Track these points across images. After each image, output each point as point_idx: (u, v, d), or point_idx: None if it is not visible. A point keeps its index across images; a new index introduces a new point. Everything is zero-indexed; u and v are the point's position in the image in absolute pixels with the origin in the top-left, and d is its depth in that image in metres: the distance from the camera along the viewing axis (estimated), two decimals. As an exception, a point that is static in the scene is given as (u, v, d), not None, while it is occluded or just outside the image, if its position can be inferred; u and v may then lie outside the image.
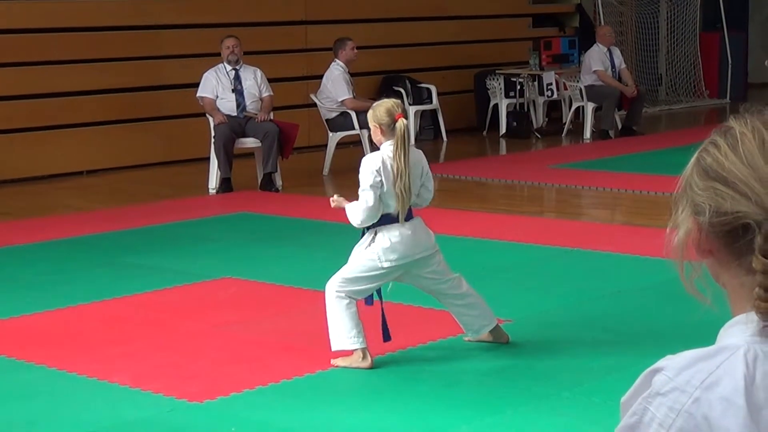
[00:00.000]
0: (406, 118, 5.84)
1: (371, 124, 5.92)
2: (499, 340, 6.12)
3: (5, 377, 5.89)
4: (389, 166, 5.71)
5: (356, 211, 5.78)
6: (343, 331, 5.71)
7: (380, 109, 5.82)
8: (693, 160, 1.67)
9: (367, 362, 5.78)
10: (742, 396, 1.51)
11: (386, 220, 5.76)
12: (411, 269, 5.88)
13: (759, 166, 1.57)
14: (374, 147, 13.19)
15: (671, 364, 1.58)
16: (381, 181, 5.70)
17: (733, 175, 1.59)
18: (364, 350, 5.74)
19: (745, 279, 1.59)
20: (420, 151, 6.19)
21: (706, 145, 1.66)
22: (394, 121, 5.72)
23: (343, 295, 5.71)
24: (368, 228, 5.81)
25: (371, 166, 5.75)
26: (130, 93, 12.69)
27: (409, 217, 5.84)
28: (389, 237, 5.71)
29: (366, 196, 5.72)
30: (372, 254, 5.73)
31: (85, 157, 12.35)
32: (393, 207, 5.74)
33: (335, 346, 5.76)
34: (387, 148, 5.78)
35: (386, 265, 5.72)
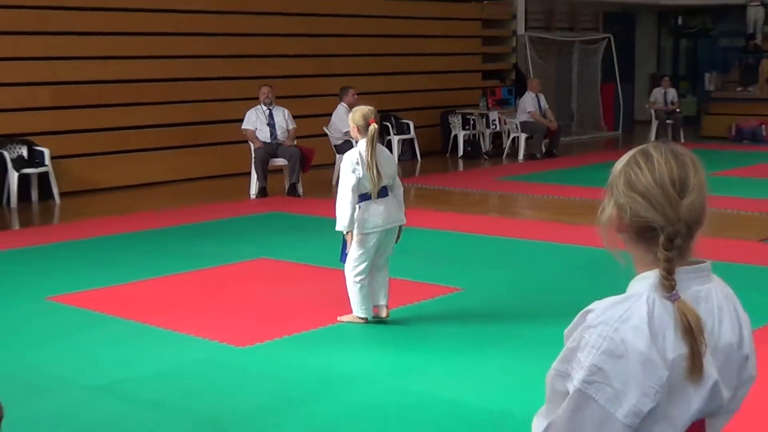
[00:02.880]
0: (378, 123, 5.66)
1: (350, 124, 5.73)
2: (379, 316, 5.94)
3: (102, 328, 5.90)
4: (364, 158, 5.56)
5: (342, 199, 5.61)
6: (357, 305, 5.76)
7: (358, 113, 5.64)
8: (620, 169, 1.76)
9: (363, 320, 5.83)
10: (646, 325, 1.64)
11: (363, 198, 5.60)
12: (387, 235, 5.76)
13: (667, 187, 1.68)
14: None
15: (598, 306, 1.69)
16: (359, 169, 5.55)
17: (648, 192, 1.69)
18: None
19: (647, 255, 1.71)
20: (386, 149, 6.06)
21: (631, 161, 1.74)
22: (368, 125, 5.57)
23: (357, 281, 5.67)
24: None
25: (351, 159, 5.59)
26: (192, 126, 12.69)
27: (384, 194, 5.68)
28: (365, 211, 5.62)
29: (348, 181, 5.57)
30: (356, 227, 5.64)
31: (157, 172, 12.36)
32: (368, 188, 5.58)
33: (354, 312, 5.81)
34: (362, 144, 5.62)
35: (365, 232, 5.63)
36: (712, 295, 1.73)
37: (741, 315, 1.78)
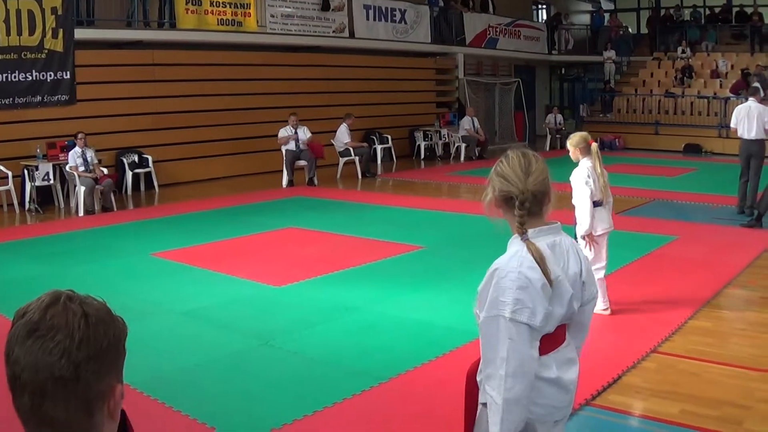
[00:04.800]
0: (596, 141, 4.56)
1: (571, 147, 4.42)
2: None
3: (186, 273, 5.81)
4: (594, 172, 4.36)
5: (583, 212, 4.30)
6: (604, 297, 4.49)
7: (578, 137, 4.42)
8: (494, 167, 1.85)
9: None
10: (535, 264, 1.70)
11: (594, 205, 4.35)
12: (609, 237, 4.53)
13: (516, 171, 1.77)
14: (362, 161, 12.96)
15: (500, 263, 1.73)
16: (590, 181, 4.31)
17: (506, 175, 1.78)
18: None
19: (513, 219, 1.79)
20: None
21: (499, 162, 1.84)
22: (588, 145, 4.40)
23: (601, 276, 4.42)
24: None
25: (581, 174, 4.35)
26: (244, 140, 12.47)
27: (601, 203, 4.43)
28: (596, 213, 4.36)
29: (584, 191, 4.30)
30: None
31: (221, 170, 12.16)
32: (598, 196, 4.37)
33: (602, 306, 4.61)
34: (586, 162, 4.38)
35: (597, 234, 4.37)
36: (562, 243, 1.80)
37: (581, 255, 1.85)
